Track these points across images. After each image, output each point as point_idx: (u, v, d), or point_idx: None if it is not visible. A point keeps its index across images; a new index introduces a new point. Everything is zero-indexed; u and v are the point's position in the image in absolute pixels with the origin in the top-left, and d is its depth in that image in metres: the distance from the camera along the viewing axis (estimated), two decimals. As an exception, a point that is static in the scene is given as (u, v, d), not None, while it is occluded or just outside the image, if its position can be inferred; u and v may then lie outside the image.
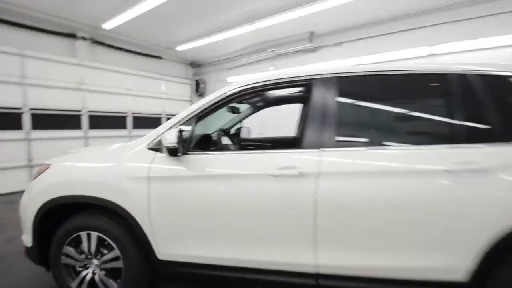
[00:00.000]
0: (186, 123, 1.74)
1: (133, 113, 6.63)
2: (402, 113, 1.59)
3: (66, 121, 5.44)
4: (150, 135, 1.74)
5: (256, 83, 1.72)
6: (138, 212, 1.62)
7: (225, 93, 1.74)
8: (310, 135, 1.56)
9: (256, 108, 3.15)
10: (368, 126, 1.65)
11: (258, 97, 2.73)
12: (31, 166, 4.94)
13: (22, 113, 4.88)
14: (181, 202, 1.60)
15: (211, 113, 1.82)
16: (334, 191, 1.43)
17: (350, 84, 1.62)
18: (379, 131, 1.62)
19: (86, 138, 5.74)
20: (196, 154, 1.66)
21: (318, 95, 1.61)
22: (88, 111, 5.77)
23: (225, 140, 2.54)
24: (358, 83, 1.62)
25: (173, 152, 1.51)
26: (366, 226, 1.41)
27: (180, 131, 1.58)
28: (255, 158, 1.60)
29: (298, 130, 3.14)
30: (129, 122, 6.58)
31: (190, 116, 1.75)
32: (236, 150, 2.46)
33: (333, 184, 1.44)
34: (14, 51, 4.81)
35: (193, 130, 1.70)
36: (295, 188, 1.47)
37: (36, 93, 5.03)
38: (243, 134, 3.42)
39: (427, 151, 1.42)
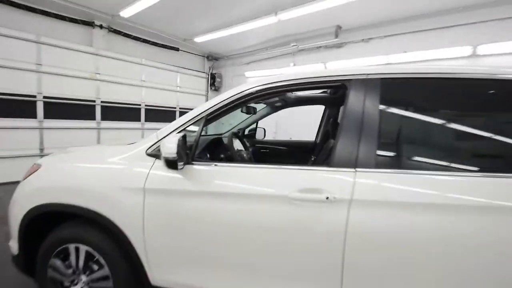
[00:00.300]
0: (193, 125, 1.49)
1: (146, 105, 6.49)
2: (469, 130, 1.22)
3: (79, 111, 5.35)
4: (150, 138, 1.49)
5: (279, 82, 1.42)
6: (130, 229, 1.38)
7: (241, 92, 1.47)
8: (342, 149, 1.24)
9: (274, 109, 2.85)
10: (423, 144, 1.30)
11: (279, 98, 2.42)
12: (42, 156, 4.89)
13: (36, 101, 4.82)
14: (181, 222, 1.34)
15: (223, 115, 1.55)
16: (371, 225, 1.12)
17: (400, 89, 1.29)
18: (438, 151, 1.27)
19: (98, 129, 5.65)
20: (201, 164, 1.39)
21: (355, 100, 1.29)
22: (102, 102, 5.67)
23: (237, 144, 2.26)
24: (411, 88, 1.28)
25: (172, 164, 1.24)
26: (412, 278, 1.09)
27: (184, 137, 1.32)
28: (271, 174, 1.31)
29: (321, 137, 2.81)
30: (142, 114, 6.45)
31: (198, 117, 1.48)
32: (248, 157, 2.17)
33: (370, 217, 1.13)
34: (31, 38, 4.74)
35: (199, 135, 1.43)
36: (320, 217, 1.18)
37: (50, 82, 4.95)
38: (258, 137, 3.13)
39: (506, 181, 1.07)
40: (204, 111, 1.48)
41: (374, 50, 5.12)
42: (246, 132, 3.10)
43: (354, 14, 4.78)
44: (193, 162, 1.39)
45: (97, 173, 1.46)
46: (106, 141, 5.63)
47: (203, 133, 1.49)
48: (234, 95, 1.47)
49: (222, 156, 2.00)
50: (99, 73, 5.61)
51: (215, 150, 2.03)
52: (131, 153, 1.47)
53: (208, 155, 2.01)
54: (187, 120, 1.50)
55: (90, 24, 5.67)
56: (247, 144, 2.62)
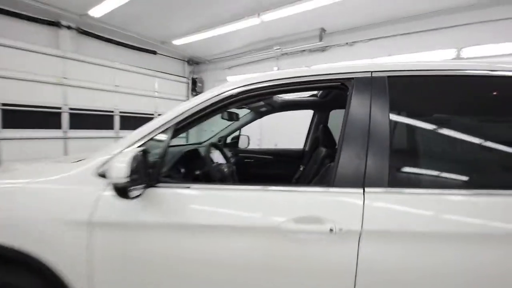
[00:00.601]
0: (161, 134, 1.19)
1: (121, 112, 6.02)
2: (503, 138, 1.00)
3: (44, 119, 4.82)
4: (101, 154, 1.17)
5: (266, 82, 1.16)
6: (73, 275, 1.04)
7: (219, 94, 1.19)
8: (345, 165, 0.99)
9: (258, 114, 2.58)
10: (450, 154, 1.06)
11: (264, 102, 2.15)
12: (-2, 170, 4.33)
13: (-9, 109, 4.28)
14: (143, 265, 1.02)
15: (197, 123, 1.25)
16: (389, 264, 0.87)
17: (413, 88, 1.06)
18: (469, 163, 1.04)
19: (65, 139, 5.12)
20: (169, 187, 1.09)
21: (359, 103, 1.04)
22: (70, 109, 5.16)
23: (216, 157, 1.96)
24: (429, 88, 1.05)
25: (121, 191, 0.92)
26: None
27: (144, 152, 1.01)
28: (258, 198, 1.03)
29: (310, 144, 2.57)
30: (117, 121, 5.98)
31: (164, 127, 1.18)
32: (230, 171, 1.88)
33: (387, 253, 0.87)
34: (-16, 39, 4.23)
35: (165, 148, 1.13)
36: (323, 256, 0.91)
37: (8, 87, 4.42)
38: (241, 145, 2.84)
39: None
40: (173, 119, 1.18)
41: (359, 54, 5.02)
42: (229, 140, 2.81)
43: (338, 17, 4.66)
44: (158, 184, 1.08)
45: (26, 200, 1.10)
46: (74, 152, 5.12)
47: (181, 142, 1.18)
48: (211, 98, 1.19)
49: (198, 172, 1.69)
50: (66, 78, 5.12)
51: (190, 165, 1.72)
52: (74, 173, 1.13)
53: (183, 171, 1.70)
54: (153, 129, 1.21)
55: (56, 24, 5.19)
56: (229, 155, 2.32)
